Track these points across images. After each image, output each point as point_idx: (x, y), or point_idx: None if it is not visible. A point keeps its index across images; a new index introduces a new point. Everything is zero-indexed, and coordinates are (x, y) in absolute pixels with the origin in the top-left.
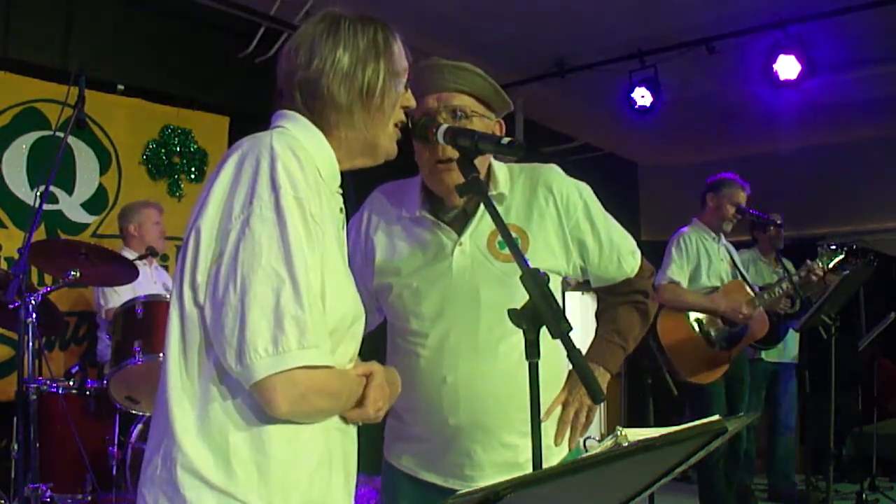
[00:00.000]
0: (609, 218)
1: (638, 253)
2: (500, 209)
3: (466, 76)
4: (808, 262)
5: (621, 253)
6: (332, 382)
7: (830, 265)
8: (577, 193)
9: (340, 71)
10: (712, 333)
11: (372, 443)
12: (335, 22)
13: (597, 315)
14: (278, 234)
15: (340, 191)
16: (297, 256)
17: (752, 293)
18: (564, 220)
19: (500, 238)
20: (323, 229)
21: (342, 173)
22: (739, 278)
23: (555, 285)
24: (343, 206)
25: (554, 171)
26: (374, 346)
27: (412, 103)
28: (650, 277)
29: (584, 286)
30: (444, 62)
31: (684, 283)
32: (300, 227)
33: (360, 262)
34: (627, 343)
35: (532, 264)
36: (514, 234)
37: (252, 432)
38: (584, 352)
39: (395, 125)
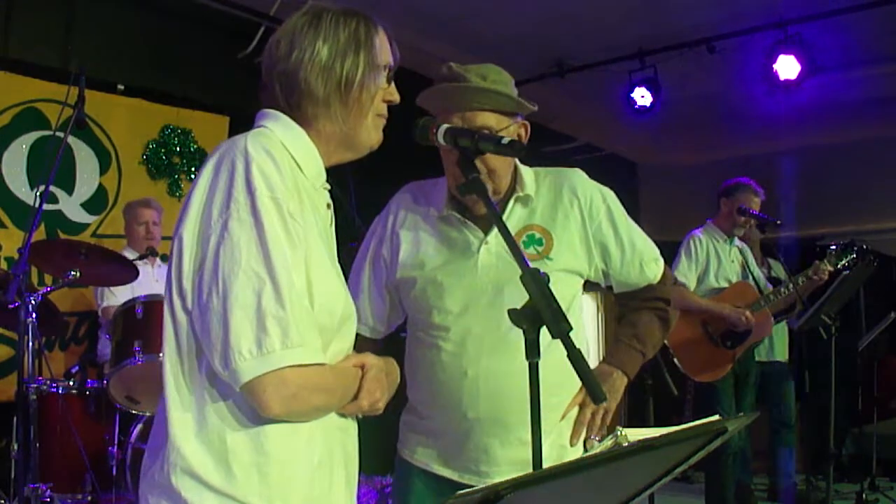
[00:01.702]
0: (632, 224)
1: (661, 260)
2: (526, 210)
3: (492, 97)
4: (817, 262)
5: (644, 259)
6: (324, 379)
7: (839, 265)
8: (601, 197)
9: (319, 63)
10: (717, 333)
11: (372, 442)
12: (318, 15)
13: (618, 320)
14: (256, 235)
15: (328, 187)
16: (277, 256)
17: (758, 294)
18: (588, 222)
19: (524, 237)
20: (305, 227)
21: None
22: (750, 279)
23: (577, 286)
24: (331, 201)
25: (578, 175)
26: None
27: (396, 98)
28: (673, 285)
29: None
30: (470, 84)
31: (690, 286)
32: (278, 226)
33: (387, 256)
34: (647, 349)
35: (556, 265)
36: (538, 235)
37: (250, 433)
38: (601, 354)
39: (378, 115)
